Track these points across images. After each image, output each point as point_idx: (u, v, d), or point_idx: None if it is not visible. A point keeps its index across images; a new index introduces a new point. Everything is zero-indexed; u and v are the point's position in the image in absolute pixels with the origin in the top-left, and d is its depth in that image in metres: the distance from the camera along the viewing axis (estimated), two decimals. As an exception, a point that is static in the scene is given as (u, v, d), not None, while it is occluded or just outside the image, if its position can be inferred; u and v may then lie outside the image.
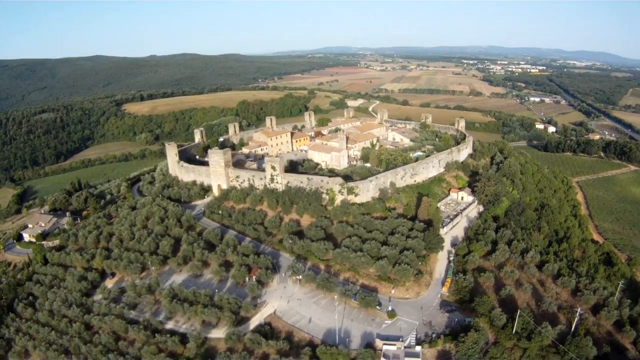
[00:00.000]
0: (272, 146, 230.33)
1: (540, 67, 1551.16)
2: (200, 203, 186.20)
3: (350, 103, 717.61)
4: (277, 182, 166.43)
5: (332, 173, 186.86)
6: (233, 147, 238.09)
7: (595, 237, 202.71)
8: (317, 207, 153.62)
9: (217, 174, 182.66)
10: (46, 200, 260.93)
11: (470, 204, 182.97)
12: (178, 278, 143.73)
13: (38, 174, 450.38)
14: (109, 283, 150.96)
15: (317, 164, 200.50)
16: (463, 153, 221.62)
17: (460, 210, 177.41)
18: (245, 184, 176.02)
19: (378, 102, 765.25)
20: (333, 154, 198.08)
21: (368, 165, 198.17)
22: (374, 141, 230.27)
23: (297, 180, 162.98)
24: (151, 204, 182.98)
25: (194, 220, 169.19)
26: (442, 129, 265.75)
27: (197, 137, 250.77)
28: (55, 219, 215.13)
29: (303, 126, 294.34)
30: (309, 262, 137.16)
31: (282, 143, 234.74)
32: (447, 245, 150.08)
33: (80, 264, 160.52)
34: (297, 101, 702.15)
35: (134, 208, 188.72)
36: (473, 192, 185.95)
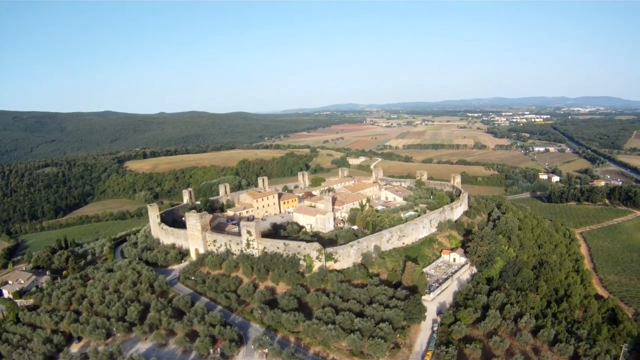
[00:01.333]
0: (258, 208, 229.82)
1: (545, 116, 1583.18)
2: (177, 267, 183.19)
3: (352, 161, 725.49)
4: (253, 248, 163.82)
5: (315, 237, 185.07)
6: (222, 209, 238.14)
7: (600, 291, 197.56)
8: (292, 275, 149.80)
9: (194, 237, 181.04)
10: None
11: (463, 265, 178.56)
12: (142, 347, 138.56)
13: (34, 228, 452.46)
14: (75, 347, 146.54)
15: (302, 227, 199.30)
16: (457, 211, 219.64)
17: (451, 273, 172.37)
18: (223, 249, 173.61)
19: (380, 159, 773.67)
20: (318, 217, 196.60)
21: (355, 227, 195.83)
22: (364, 202, 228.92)
23: (274, 245, 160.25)
24: (127, 267, 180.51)
25: (166, 286, 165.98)
26: (438, 186, 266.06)
27: (186, 198, 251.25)
28: (34, 277, 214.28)
29: (296, 186, 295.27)
30: (279, 334, 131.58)
31: (268, 205, 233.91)
32: (432, 313, 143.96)
33: (49, 326, 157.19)
34: (298, 160, 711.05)
35: (110, 270, 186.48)
36: (466, 253, 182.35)
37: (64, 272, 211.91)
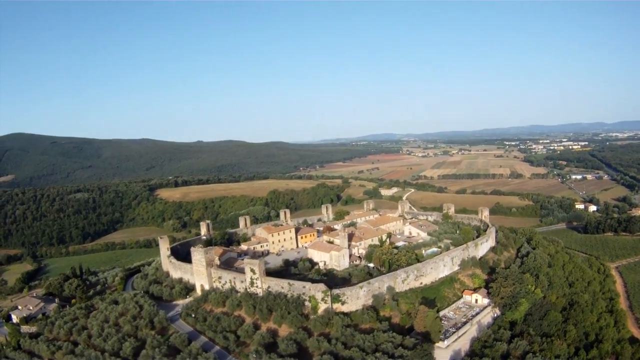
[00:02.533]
0: (273, 243, 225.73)
1: (582, 143, 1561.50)
2: (182, 303, 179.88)
3: (384, 192, 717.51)
4: (256, 287, 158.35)
5: (326, 275, 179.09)
6: (239, 242, 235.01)
7: (636, 333, 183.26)
8: (295, 317, 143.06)
9: (199, 273, 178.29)
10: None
11: (485, 307, 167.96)
12: None
13: (60, 253, 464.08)
14: None
15: (316, 264, 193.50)
16: (483, 247, 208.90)
17: (472, 316, 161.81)
18: (228, 286, 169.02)
19: (413, 190, 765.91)
20: (333, 253, 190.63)
21: (371, 265, 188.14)
22: (384, 237, 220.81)
23: (279, 285, 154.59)
24: (130, 300, 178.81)
25: (166, 322, 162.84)
26: (466, 220, 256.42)
27: (203, 230, 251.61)
28: (42, 304, 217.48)
29: (319, 219, 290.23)
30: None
31: (284, 239, 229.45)
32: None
33: (46, 355, 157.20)
34: (329, 191, 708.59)
35: (115, 302, 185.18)
36: (489, 294, 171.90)
37: (73, 301, 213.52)
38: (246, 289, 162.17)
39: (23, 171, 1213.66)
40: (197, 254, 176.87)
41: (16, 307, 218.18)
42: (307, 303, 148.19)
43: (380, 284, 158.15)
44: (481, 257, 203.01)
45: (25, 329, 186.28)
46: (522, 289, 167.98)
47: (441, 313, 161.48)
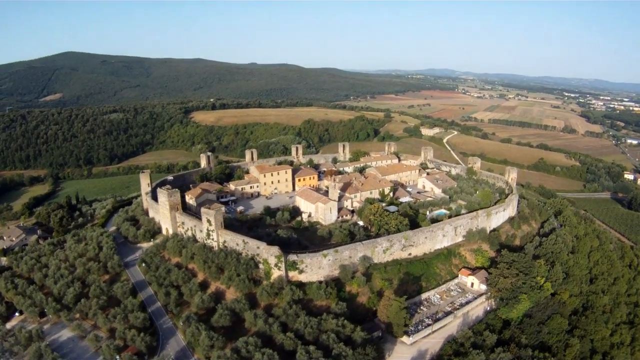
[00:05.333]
0: (265, 184, 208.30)
1: None
2: (147, 246, 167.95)
3: (425, 131, 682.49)
4: (212, 239, 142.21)
5: (306, 230, 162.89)
6: (240, 177, 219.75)
7: None
8: (243, 281, 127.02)
9: (164, 216, 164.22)
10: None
11: (482, 294, 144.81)
12: (66, 334, 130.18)
13: (81, 175, 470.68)
14: (15, 320, 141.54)
15: (303, 214, 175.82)
16: (498, 217, 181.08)
17: (460, 305, 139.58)
18: (190, 233, 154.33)
19: (456, 132, 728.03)
20: (319, 205, 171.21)
21: (361, 223, 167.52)
22: (386, 190, 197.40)
23: (234, 241, 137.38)
24: (93, 240, 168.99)
25: (119, 268, 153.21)
26: (491, 179, 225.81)
27: (203, 162, 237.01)
28: (24, 235, 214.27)
29: (335, 159, 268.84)
30: (196, 355, 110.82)
31: (279, 181, 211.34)
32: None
33: (4, 294, 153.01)
34: (366, 125, 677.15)
35: (80, 240, 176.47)
36: (488, 280, 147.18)
37: (54, 234, 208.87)
38: (204, 240, 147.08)
39: (71, 90, 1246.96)
40: (162, 196, 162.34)
41: (1, 237, 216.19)
42: (261, 266, 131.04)
43: (353, 253, 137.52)
44: (493, 230, 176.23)
45: (3, 261, 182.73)
46: (528, 281, 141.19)
47: (424, 295, 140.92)
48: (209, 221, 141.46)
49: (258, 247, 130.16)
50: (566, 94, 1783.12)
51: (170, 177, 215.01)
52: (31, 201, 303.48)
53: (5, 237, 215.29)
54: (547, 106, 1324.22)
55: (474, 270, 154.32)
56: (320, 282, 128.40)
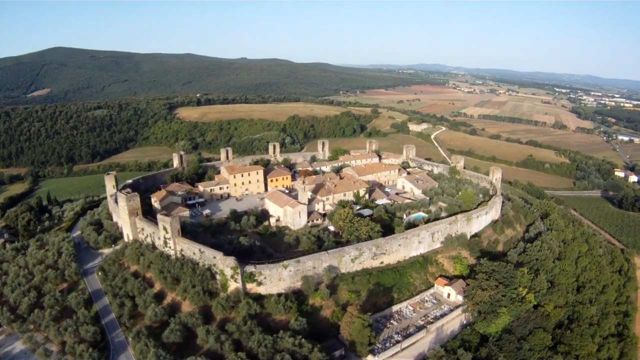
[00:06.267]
0: (235, 185, 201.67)
1: (635, 102, 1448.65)
2: (108, 252, 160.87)
3: (413, 127, 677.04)
4: (169, 248, 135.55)
5: (273, 235, 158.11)
6: (211, 178, 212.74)
7: None
8: (197, 294, 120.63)
9: (125, 222, 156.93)
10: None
11: (459, 306, 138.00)
12: (18, 347, 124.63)
13: (61, 173, 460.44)
14: None
15: (271, 218, 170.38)
16: (479, 221, 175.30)
17: (434, 318, 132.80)
18: (149, 240, 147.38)
19: (444, 128, 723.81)
20: (287, 209, 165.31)
21: (332, 228, 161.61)
22: (361, 192, 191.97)
23: (191, 249, 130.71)
24: (54, 245, 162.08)
25: (76, 277, 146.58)
26: (475, 179, 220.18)
27: (175, 162, 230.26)
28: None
29: (314, 158, 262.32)
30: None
31: (250, 182, 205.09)
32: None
33: None
34: (353, 120, 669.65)
35: (40, 246, 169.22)
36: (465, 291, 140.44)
37: (20, 238, 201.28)
38: (162, 248, 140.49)
39: (59, 85, 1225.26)
40: (121, 200, 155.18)
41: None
42: (218, 277, 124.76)
43: (317, 263, 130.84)
44: (474, 235, 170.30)
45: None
46: (508, 293, 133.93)
47: (396, 307, 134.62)
48: (165, 228, 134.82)
49: (214, 257, 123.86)
50: (557, 90, 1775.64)
51: (129, 181, 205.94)
52: (6, 201, 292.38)
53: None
54: (537, 102, 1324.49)
55: (451, 280, 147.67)
56: (280, 294, 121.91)
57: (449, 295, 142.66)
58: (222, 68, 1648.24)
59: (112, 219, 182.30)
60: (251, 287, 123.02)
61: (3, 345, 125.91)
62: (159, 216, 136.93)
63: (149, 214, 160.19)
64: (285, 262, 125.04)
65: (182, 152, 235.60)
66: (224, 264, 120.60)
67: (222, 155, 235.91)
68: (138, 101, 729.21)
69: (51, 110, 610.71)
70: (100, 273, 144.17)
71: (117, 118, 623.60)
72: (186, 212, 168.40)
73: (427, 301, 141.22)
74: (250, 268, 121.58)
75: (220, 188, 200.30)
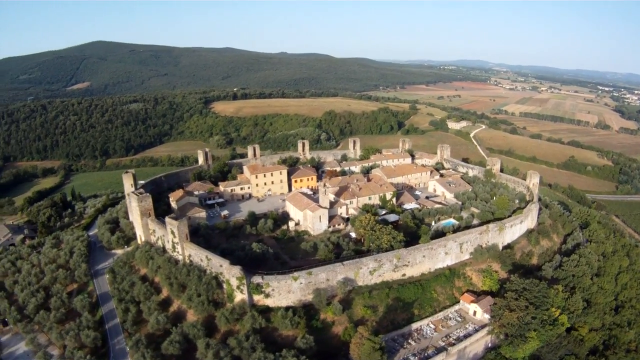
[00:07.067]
0: (257, 185, 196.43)
1: None
2: (121, 253, 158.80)
3: (452, 125, 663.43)
4: (177, 252, 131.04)
5: (291, 241, 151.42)
6: (234, 178, 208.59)
7: None
8: (201, 303, 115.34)
9: (137, 222, 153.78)
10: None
11: (485, 325, 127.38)
12: (22, 347, 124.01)
13: (94, 167, 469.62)
14: None
15: (290, 222, 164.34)
16: (513, 230, 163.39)
17: (456, 339, 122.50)
18: (160, 243, 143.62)
19: (484, 126, 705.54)
20: (307, 213, 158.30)
21: (353, 235, 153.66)
22: (387, 196, 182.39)
23: (198, 256, 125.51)
24: (70, 244, 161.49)
25: (86, 278, 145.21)
26: (511, 183, 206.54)
27: (200, 159, 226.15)
28: (10, 235, 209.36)
29: (345, 156, 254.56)
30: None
31: (272, 182, 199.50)
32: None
33: None
34: (390, 117, 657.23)
35: (56, 245, 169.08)
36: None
37: (38, 234, 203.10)
38: (171, 252, 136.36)
39: (99, 79, 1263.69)
40: (133, 200, 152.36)
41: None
42: (225, 286, 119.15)
43: (331, 275, 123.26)
44: (507, 246, 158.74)
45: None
46: (539, 315, 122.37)
47: (415, 325, 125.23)
48: (173, 232, 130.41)
49: (221, 266, 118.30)
50: (600, 87, 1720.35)
51: (146, 180, 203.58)
52: (34, 195, 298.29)
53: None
54: (580, 99, 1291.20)
55: (479, 296, 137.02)
56: (288, 308, 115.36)
57: (474, 313, 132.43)
58: (261, 62, 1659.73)
59: (128, 219, 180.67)
60: (258, 298, 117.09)
61: (8, 345, 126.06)
62: (167, 219, 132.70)
63: (166, 214, 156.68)
64: (296, 274, 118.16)
65: (207, 149, 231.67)
66: (229, 273, 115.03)
67: (250, 153, 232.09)
68: (174, 95, 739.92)
69: (87, 103, 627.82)
70: (110, 274, 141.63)
71: (153, 112, 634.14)
72: (202, 213, 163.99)
73: (450, 319, 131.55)
74: (257, 279, 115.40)
75: (242, 188, 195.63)
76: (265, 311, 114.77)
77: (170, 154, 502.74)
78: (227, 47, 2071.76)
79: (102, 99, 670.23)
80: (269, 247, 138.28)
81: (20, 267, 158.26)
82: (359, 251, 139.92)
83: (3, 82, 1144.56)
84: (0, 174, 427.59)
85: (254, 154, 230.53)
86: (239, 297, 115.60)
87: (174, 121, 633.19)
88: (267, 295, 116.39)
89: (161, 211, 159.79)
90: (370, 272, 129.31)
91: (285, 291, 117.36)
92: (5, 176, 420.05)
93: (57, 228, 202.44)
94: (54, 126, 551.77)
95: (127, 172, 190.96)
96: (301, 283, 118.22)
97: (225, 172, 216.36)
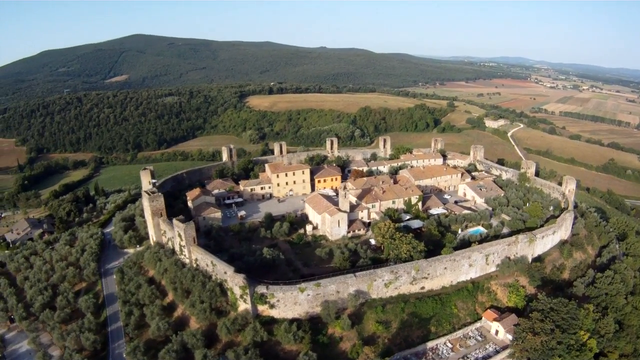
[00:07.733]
0: (278, 185, 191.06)
1: None
2: (133, 252, 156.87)
3: (489, 123, 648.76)
4: (184, 256, 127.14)
5: (307, 246, 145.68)
6: (256, 176, 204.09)
7: None
8: (203, 311, 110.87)
9: (149, 222, 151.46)
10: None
11: (507, 347, 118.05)
12: (24, 346, 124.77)
13: (124, 160, 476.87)
14: None
15: (308, 225, 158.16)
16: (544, 241, 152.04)
17: None
18: (170, 245, 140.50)
19: (522, 125, 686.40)
20: (325, 217, 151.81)
21: (373, 242, 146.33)
22: (413, 199, 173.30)
23: (204, 260, 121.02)
24: (83, 241, 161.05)
25: (94, 277, 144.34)
26: (547, 188, 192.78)
27: (225, 156, 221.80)
28: (29, 229, 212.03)
29: (374, 155, 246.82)
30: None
31: (294, 182, 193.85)
32: None
33: None
34: (426, 114, 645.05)
35: (70, 242, 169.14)
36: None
37: (55, 230, 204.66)
38: (178, 255, 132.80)
39: (137, 72, 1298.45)
40: (145, 200, 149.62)
41: (12, 230, 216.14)
42: (229, 294, 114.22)
43: (342, 287, 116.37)
44: (537, 258, 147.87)
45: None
46: (565, 340, 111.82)
47: (431, 344, 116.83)
48: (179, 235, 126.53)
49: (225, 273, 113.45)
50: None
51: (161, 177, 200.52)
52: (60, 189, 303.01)
53: (13, 230, 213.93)
54: (622, 100, 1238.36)
55: (503, 313, 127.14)
56: (293, 320, 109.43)
57: (496, 332, 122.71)
58: (299, 57, 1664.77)
59: (144, 217, 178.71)
60: (263, 309, 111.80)
61: (14, 342, 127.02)
62: (174, 220, 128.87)
63: (183, 212, 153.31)
64: (303, 285, 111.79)
65: (231, 146, 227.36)
66: (232, 281, 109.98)
67: (276, 150, 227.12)
68: (210, 89, 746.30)
69: (122, 96, 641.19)
70: (117, 275, 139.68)
71: (187, 105, 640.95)
72: (218, 214, 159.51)
73: (470, 337, 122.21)
74: (261, 289, 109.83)
75: (262, 188, 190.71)
76: (270, 322, 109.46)
77: (202, 148, 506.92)
78: (267, 41, 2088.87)
79: (137, 92, 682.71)
80: (282, 252, 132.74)
81: (33, 263, 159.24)
82: (377, 260, 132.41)
83: (42, 74, 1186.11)
84: (33, 166, 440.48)
85: (280, 151, 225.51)
86: (243, 306, 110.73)
87: (208, 115, 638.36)
88: (272, 306, 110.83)
89: (178, 210, 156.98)
90: (386, 284, 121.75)
91: (291, 302, 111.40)
92: (36, 168, 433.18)
93: (75, 224, 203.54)
94: (88, 119, 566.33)
95: (145, 169, 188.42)
96: (308, 295, 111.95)
97: (249, 170, 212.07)
